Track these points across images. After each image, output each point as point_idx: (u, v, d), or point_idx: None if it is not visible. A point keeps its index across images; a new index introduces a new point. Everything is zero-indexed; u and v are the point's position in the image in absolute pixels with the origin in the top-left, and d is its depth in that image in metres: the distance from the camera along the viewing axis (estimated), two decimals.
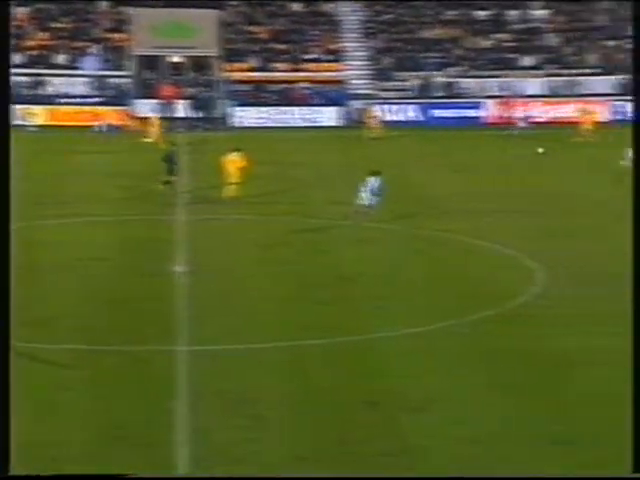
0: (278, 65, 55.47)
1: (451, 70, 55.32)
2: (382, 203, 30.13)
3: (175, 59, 55.02)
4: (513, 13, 58.26)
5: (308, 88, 54.43)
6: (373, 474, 14.28)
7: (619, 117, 51.52)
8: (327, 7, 58.70)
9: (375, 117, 49.58)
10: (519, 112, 51.42)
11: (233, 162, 33.58)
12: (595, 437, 15.68)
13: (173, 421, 15.94)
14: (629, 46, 56.41)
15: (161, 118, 47.23)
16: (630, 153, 38.79)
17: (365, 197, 30.23)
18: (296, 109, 53.32)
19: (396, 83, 55.16)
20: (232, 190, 33.17)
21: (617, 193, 34.55)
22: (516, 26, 57.88)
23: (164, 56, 54.30)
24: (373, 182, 30.38)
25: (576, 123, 49.41)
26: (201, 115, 52.23)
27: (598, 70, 54.81)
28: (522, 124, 49.62)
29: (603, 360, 18.95)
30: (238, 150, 33.99)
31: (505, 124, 51.07)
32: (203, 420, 16.09)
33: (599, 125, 47.51)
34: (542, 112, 52.77)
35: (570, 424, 16.12)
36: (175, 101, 52.01)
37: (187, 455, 14.81)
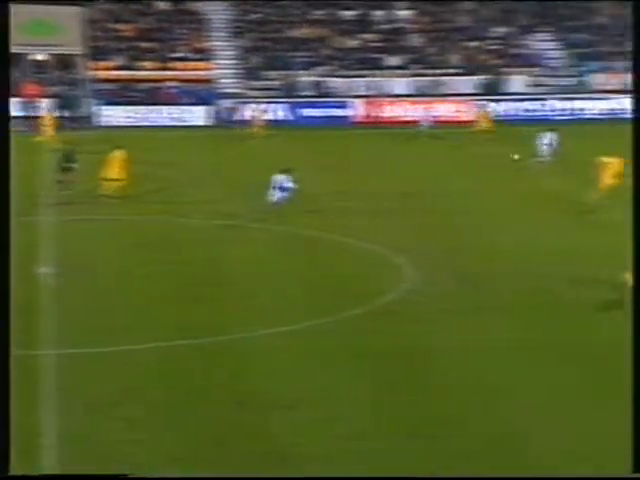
0: (145, 64, 55.04)
1: (319, 69, 55.90)
2: (290, 201, 30.40)
3: (38, 57, 54.00)
4: (379, 13, 59.24)
5: (176, 87, 54.18)
6: (252, 474, 14.39)
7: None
8: (194, 6, 58.51)
9: (260, 116, 49.69)
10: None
11: (115, 161, 33.40)
12: (467, 430, 16.10)
13: (42, 425, 15.76)
14: (491, 47, 58.06)
15: (54, 117, 46.48)
16: (546, 138, 39.73)
17: (273, 195, 30.41)
18: (164, 108, 53.01)
19: (264, 82, 55.43)
20: (114, 189, 32.99)
21: (498, 192, 35.49)
22: (382, 26, 58.84)
23: (27, 54, 53.23)
24: (282, 180, 30.56)
25: (446, 122, 50.67)
26: (66, 114, 51.41)
27: (461, 70, 56.21)
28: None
29: (475, 354, 19.45)
30: (120, 148, 33.81)
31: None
32: (74, 424, 15.95)
33: (494, 124, 48.24)
34: (409, 111, 53.81)
35: (440, 418, 16.54)
36: (39, 100, 51.06)
37: (56, 458, 14.67)
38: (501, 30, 58.98)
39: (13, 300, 13.14)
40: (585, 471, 14.39)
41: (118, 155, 33.42)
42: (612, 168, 32.70)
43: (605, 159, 33.06)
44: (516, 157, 39.55)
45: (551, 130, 39.99)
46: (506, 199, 34.20)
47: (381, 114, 53.72)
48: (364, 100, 53.96)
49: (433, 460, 14.92)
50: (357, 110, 53.86)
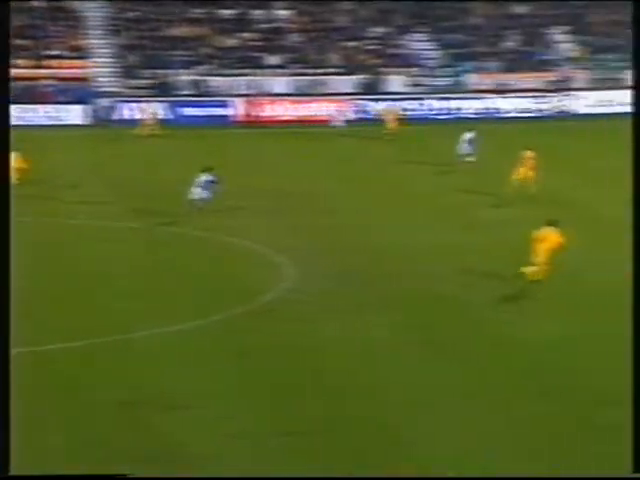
0: (19, 62, 53.93)
1: (199, 68, 55.74)
2: (213, 199, 30.54)
3: None
4: (258, 12, 59.39)
5: (52, 85, 53.28)
6: (143, 474, 14.33)
7: (361, 115, 53.66)
8: (70, 4, 57.64)
9: (152, 115, 49.17)
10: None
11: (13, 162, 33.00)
12: (351, 428, 16.25)
13: None
14: (369, 47, 58.79)
15: None
16: (466, 137, 39.68)
17: (196, 193, 30.47)
18: (40, 107, 52.08)
19: (143, 81, 54.97)
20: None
21: (387, 191, 35.87)
22: (261, 25, 59.00)
23: None
24: (204, 178, 30.67)
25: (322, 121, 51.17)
26: None
27: (340, 70, 56.77)
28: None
29: (357, 351, 19.72)
30: (16, 150, 33.37)
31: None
32: None
33: (401, 123, 48.10)
34: (289, 111, 54.11)
35: (323, 417, 16.67)
36: None
37: None
38: (379, 30, 59.80)
39: (13, 300, 12.93)
40: (472, 469, 14.68)
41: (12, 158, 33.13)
42: (530, 162, 33.56)
43: (525, 153, 33.85)
44: (470, 159, 38.90)
45: (469, 130, 39.75)
46: (396, 198, 34.64)
47: (261, 113, 53.86)
48: (244, 99, 54.03)
49: (317, 458, 15.14)
50: (237, 109, 53.89)
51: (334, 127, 50.57)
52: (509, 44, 59.60)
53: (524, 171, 33.38)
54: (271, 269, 25.69)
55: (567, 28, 60.02)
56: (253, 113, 53.82)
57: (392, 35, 59.68)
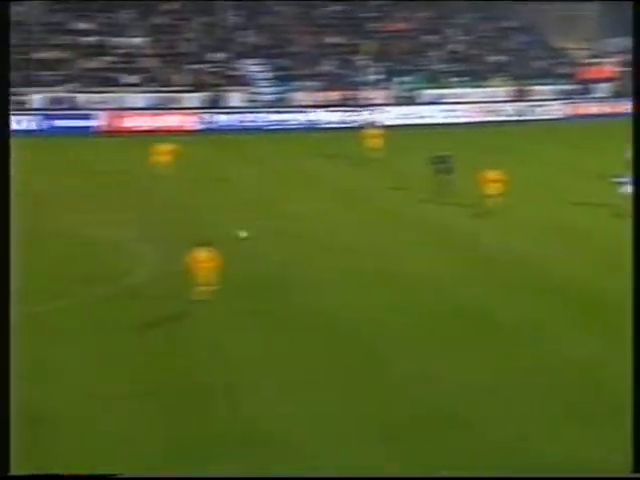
0: None
1: (69, 86, 55.89)
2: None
3: None
4: (115, 40, 60.07)
5: None
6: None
7: (206, 126, 55.12)
8: None
9: None
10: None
11: None
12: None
13: None
14: (212, 69, 60.16)
15: None
16: None
17: None
18: None
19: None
20: None
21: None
22: (119, 50, 59.56)
23: None
24: None
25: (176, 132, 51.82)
26: None
27: (188, 88, 58.00)
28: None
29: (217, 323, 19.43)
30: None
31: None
32: None
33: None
34: (148, 122, 54.78)
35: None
36: None
37: None
38: (220, 55, 61.36)
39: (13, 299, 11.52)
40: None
41: None
42: None
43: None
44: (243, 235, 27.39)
45: None
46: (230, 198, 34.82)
47: (121, 124, 54.48)
48: (108, 113, 54.47)
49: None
50: (101, 121, 54.30)
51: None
52: (326, 68, 62.20)
53: None
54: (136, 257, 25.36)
55: (371, 56, 63.09)
56: (114, 124, 54.38)
57: (231, 59, 61.29)
